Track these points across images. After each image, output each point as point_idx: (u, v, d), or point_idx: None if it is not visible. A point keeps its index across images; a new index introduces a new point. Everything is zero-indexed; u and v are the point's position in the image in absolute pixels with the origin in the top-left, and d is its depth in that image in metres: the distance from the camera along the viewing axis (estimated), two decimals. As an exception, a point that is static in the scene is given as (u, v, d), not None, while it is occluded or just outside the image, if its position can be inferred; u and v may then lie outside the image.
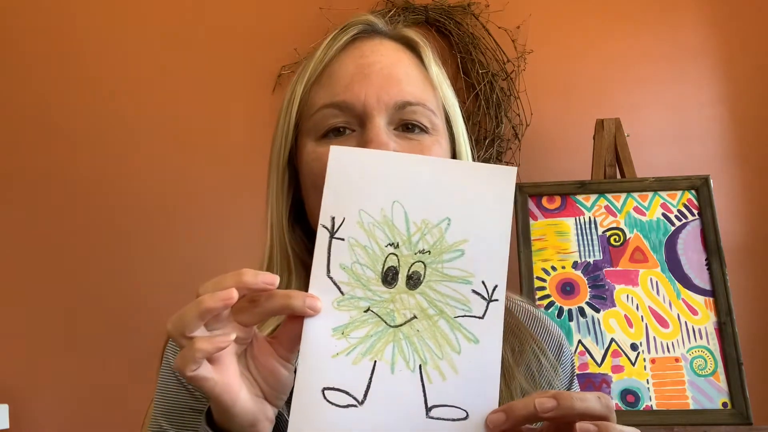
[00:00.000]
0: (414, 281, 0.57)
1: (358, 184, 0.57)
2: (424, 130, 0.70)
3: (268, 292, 0.54)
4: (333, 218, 0.57)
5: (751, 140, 1.74)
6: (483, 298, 0.57)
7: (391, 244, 0.57)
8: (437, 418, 0.55)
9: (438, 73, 0.75)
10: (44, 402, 1.67)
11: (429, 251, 0.57)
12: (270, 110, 1.76)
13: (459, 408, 0.55)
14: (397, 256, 0.57)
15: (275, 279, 0.54)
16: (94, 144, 1.78)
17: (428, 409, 0.55)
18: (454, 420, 0.55)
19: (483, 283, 0.57)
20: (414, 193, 0.58)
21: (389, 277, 0.57)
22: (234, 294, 0.52)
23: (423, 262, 0.57)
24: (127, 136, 1.78)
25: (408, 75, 0.71)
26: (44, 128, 1.79)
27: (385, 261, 0.57)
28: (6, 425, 1.61)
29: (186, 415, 0.72)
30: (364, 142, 0.67)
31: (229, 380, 0.53)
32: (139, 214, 1.75)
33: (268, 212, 0.74)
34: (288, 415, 0.58)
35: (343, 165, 0.58)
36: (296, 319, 0.56)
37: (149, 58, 1.82)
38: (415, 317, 0.57)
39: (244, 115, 1.79)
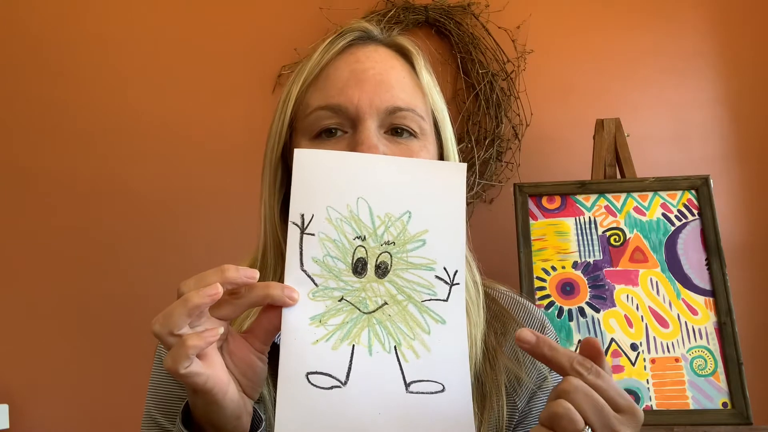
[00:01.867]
0: (382, 270, 0.62)
1: (324, 182, 0.62)
2: (412, 134, 0.73)
3: (249, 285, 0.56)
4: (302, 215, 0.61)
5: (751, 140, 1.74)
6: (445, 282, 0.62)
7: (358, 237, 0.62)
8: (417, 392, 0.59)
9: (428, 80, 0.78)
10: (44, 402, 1.67)
11: (394, 242, 0.62)
12: (270, 110, 1.75)
13: (435, 382, 0.59)
14: (365, 248, 0.62)
15: (255, 273, 0.57)
16: (94, 143, 1.78)
17: (407, 385, 0.59)
18: (432, 393, 0.59)
19: (444, 269, 0.62)
20: (376, 189, 0.62)
21: (359, 268, 0.61)
22: (220, 289, 0.54)
23: (389, 253, 0.62)
24: (127, 135, 1.78)
25: (399, 81, 0.74)
26: (44, 128, 1.79)
27: (354, 253, 0.61)
28: (6, 425, 1.61)
29: (175, 405, 0.74)
30: (354, 144, 0.70)
31: (219, 373, 0.56)
32: (139, 213, 1.75)
33: (261, 206, 0.77)
34: (260, 408, 0.62)
35: (309, 166, 0.62)
36: (272, 311, 0.59)
37: (149, 57, 1.82)
38: (386, 303, 0.61)
39: (244, 115, 1.79)
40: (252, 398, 0.60)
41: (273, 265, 0.75)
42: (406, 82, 0.74)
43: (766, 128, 1.75)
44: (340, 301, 0.60)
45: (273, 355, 0.61)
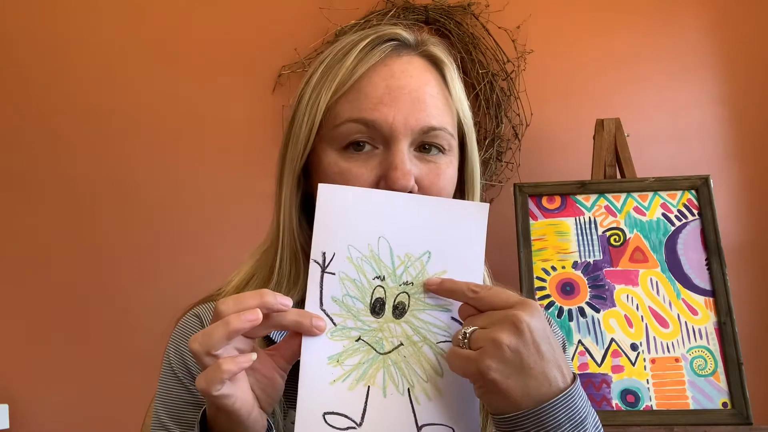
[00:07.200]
0: (399, 311, 0.62)
1: (347, 220, 0.62)
2: (440, 150, 0.73)
3: (282, 311, 0.59)
4: (324, 253, 0.62)
5: (751, 140, 1.74)
6: (461, 324, 0.61)
7: (378, 277, 0.62)
8: None
9: (459, 91, 0.78)
10: (44, 402, 1.67)
11: (412, 282, 0.62)
12: (270, 110, 1.77)
13: (446, 426, 0.60)
14: (383, 288, 0.62)
15: (290, 301, 0.59)
16: (95, 145, 1.78)
17: (419, 428, 0.60)
18: None
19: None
20: (398, 229, 0.63)
21: (377, 308, 0.62)
22: (260, 315, 0.56)
23: (407, 293, 0.62)
24: (128, 135, 1.78)
25: (433, 98, 0.73)
26: (46, 130, 1.79)
27: (372, 293, 0.62)
28: (6, 425, 1.61)
29: (185, 410, 0.75)
30: (388, 166, 0.69)
31: (245, 394, 0.58)
32: (140, 214, 1.75)
33: (280, 213, 0.76)
34: (271, 420, 0.63)
35: (332, 202, 0.62)
36: (299, 336, 0.61)
37: (149, 58, 1.82)
38: (401, 344, 0.62)
39: (244, 115, 1.79)
40: (267, 412, 0.62)
41: (288, 269, 0.75)
42: (439, 98, 0.74)
43: (766, 128, 1.75)
44: (357, 341, 0.61)
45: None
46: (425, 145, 0.72)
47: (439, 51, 0.78)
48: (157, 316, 1.64)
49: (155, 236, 1.74)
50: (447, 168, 0.73)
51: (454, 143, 0.75)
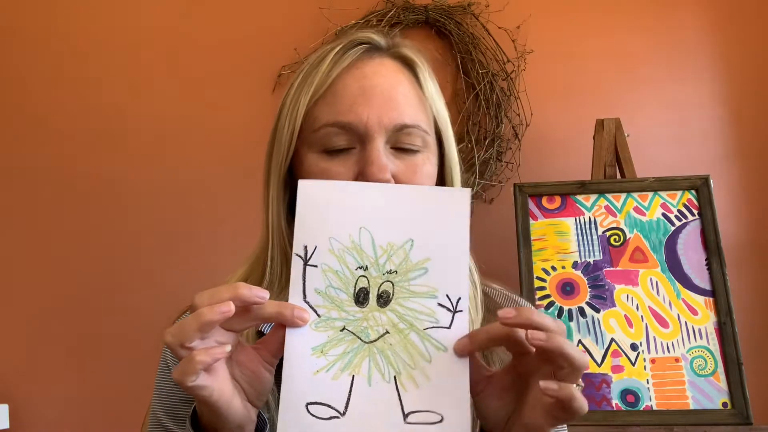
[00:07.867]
0: (384, 299, 0.62)
1: (327, 213, 0.63)
2: (416, 148, 0.75)
3: (259, 303, 0.59)
4: (305, 247, 0.62)
5: (751, 140, 1.74)
6: (448, 310, 0.62)
7: (360, 267, 0.62)
8: (415, 423, 0.59)
9: (432, 90, 0.80)
10: (44, 402, 1.67)
11: (396, 271, 0.62)
12: (270, 110, 1.76)
13: (434, 412, 0.59)
14: (366, 278, 0.62)
15: (266, 293, 0.59)
16: (95, 144, 1.78)
17: (405, 416, 0.60)
18: (430, 423, 0.59)
19: (447, 296, 0.62)
20: (378, 219, 0.63)
21: (361, 298, 0.62)
22: (232, 307, 0.56)
23: (391, 282, 0.62)
24: (127, 135, 1.78)
25: (406, 96, 0.76)
26: (45, 129, 1.79)
27: (356, 283, 0.62)
28: (6, 425, 1.61)
29: (179, 407, 0.77)
30: (364, 162, 0.72)
31: (223, 386, 0.58)
32: (139, 214, 1.75)
33: (269, 214, 0.78)
34: (265, 415, 0.64)
35: (312, 197, 0.63)
36: (284, 329, 0.61)
37: (149, 58, 1.82)
38: (387, 332, 0.62)
39: (244, 115, 1.79)
40: (256, 407, 0.62)
41: (279, 268, 0.76)
42: (412, 96, 0.76)
43: (766, 128, 1.75)
44: (341, 331, 0.61)
45: (279, 364, 0.63)
46: (401, 143, 0.74)
47: (411, 52, 0.80)
48: (157, 316, 1.63)
49: (155, 236, 1.74)
50: (424, 164, 0.75)
51: (430, 140, 0.77)
